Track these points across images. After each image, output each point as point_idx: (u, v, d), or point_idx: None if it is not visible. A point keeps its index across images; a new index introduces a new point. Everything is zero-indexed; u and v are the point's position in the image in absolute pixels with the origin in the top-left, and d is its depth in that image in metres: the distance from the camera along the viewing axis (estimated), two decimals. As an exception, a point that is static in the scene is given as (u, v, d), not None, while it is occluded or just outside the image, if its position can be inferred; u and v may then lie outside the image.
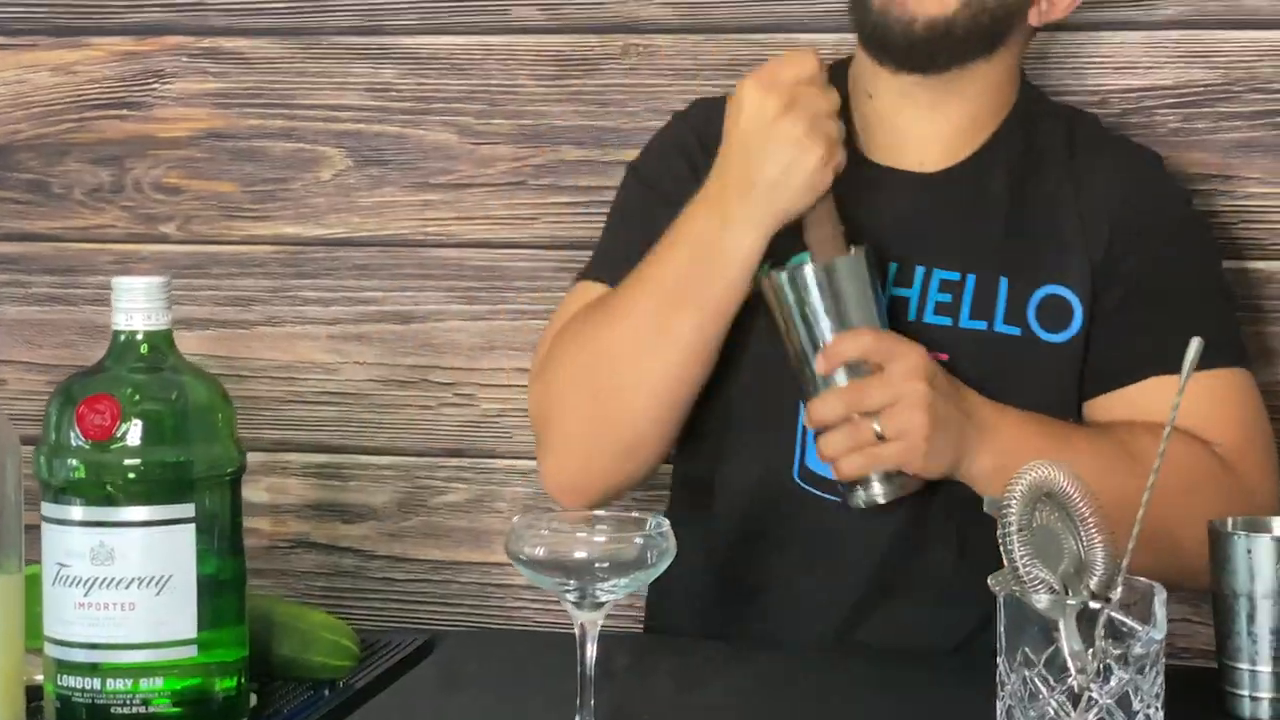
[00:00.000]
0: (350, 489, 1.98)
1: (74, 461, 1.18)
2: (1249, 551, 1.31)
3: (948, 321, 1.56)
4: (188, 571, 1.18)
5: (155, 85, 1.96)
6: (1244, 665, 1.32)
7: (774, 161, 1.45)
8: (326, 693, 1.34)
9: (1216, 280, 1.65)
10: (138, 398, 1.19)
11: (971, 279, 1.56)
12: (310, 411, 1.98)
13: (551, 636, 1.54)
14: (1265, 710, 1.31)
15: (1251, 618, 1.31)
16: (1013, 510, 1.11)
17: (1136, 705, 1.09)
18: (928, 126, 1.60)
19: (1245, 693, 1.32)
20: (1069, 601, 1.09)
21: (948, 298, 1.56)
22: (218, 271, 1.97)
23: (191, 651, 1.19)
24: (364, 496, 1.98)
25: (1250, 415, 1.58)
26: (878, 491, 1.47)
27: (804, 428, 1.54)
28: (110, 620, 1.17)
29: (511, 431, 1.94)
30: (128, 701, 1.17)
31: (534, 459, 1.94)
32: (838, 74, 1.61)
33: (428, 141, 1.93)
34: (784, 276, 1.47)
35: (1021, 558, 1.12)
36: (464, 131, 1.93)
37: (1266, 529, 1.35)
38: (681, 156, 1.64)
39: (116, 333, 1.21)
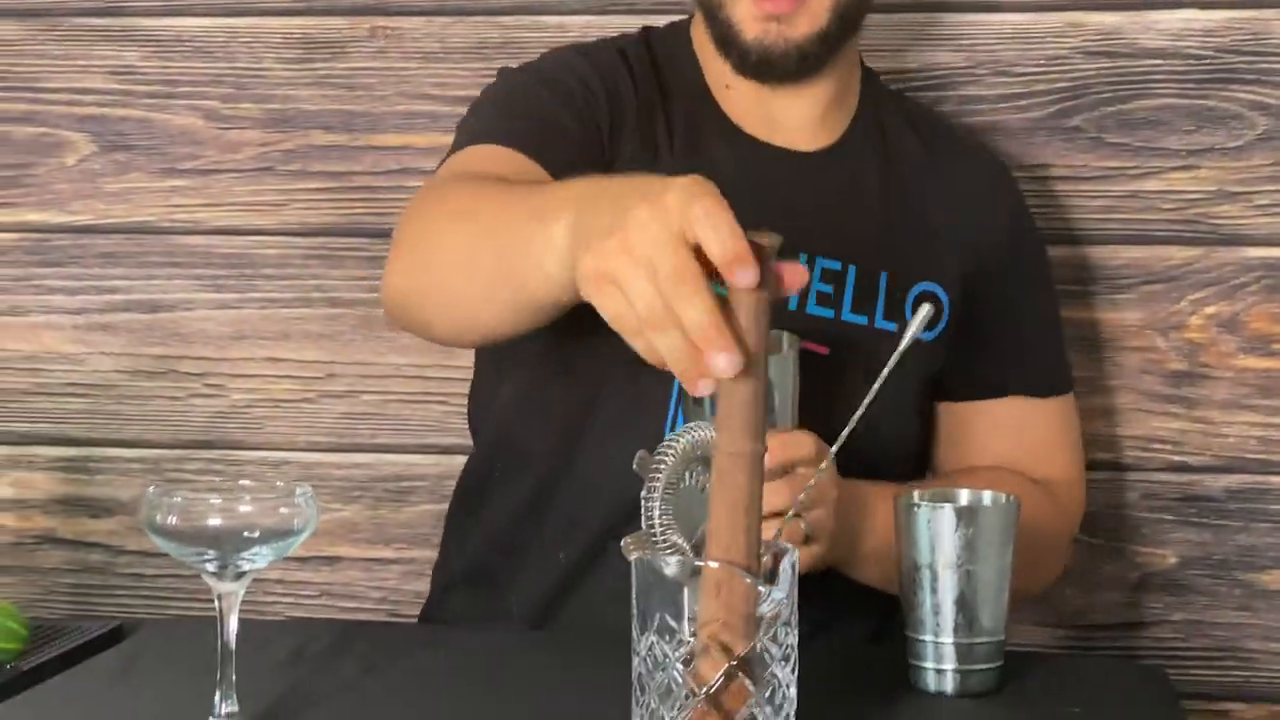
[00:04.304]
0: (97, 483, 1.93)
1: None
2: (929, 522, 1.29)
3: (829, 314, 1.52)
4: None
5: (-112, 67, 1.91)
6: (927, 637, 1.30)
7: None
8: (-12, 675, 1.29)
9: (1056, 304, 1.68)
10: None
11: (853, 270, 1.53)
12: (56, 403, 1.93)
13: (272, 625, 1.51)
14: (949, 682, 1.29)
15: (934, 589, 1.29)
16: (663, 471, 1.09)
17: (765, 665, 1.06)
18: (797, 110, 1.56)
19: (929, 665, 1.30)
20: (695, 563, 1.06)
21: (829, 288, 1.53)
22: (-41, 260, 1.93)
23: None
24: (112, 490, 1.93)
25: (1076, 438, 1.64)
26: None
27: (671, 421, 1.48)
28: None
29: (262, 422, 1.91)
30: None
31: (284, 450, 1.92)
32: (677, 36, 1.59)
33: (174, 126, 1.89)
34: None
35: (660, 519, 1.09)
36: (210, 116, 1.89)
37: (951, 499, 1.33)
38: (588, 80, 1.50)
39: None
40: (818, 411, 1.40)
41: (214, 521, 1.15)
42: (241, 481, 1.23)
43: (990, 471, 1.55)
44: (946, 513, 1.29)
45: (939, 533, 1.29)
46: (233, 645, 1.16)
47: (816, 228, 1.53)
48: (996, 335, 1.57)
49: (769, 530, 1.18)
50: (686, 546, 1.09)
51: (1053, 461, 1.60)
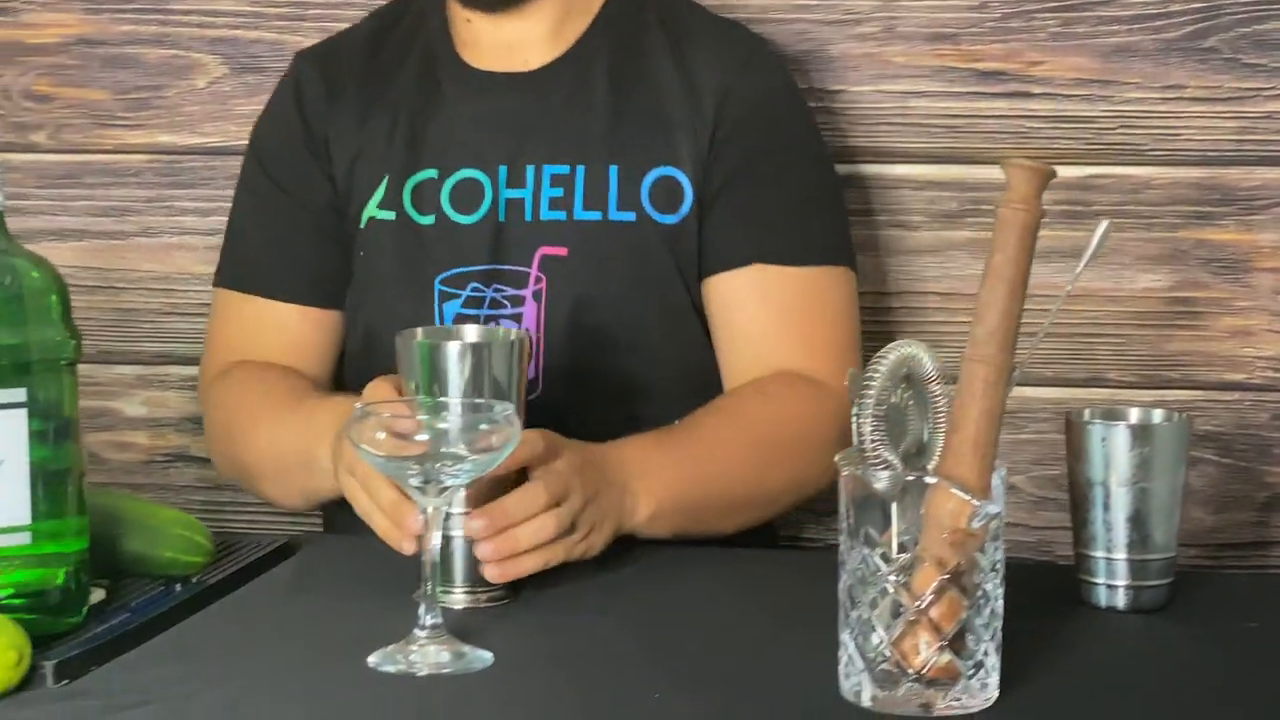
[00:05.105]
0: (229, 402, 1.95)
1: (-99, 344, 1.15)
2: (1104, 440, 1.31)
3: (562, 216, 1.59)
4: (20, 457, 1.16)
5: (23, -11, 1.92)
6: (1099, 553, 1.32)
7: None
8: (178, 588, 1.32)
9: (821, 172, 1.67)
10: (-32, 281, 1.16)
11: (581, 170, 1.60)
12: (189, 323, 1.94)
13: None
14: (1121, 598, 1.32)
15: (1107, 506, 1.31)
16: (873, 388, 1.11)
17: (976, 580, 1.08)
18: (526, 32, 1.64)
19: (1101, 580, 1.32)
20: (907, 477, 1.08)
21: (560, 192, 1.59)
22: (91, 181, 1.94)
23: (25, 539, 1.16)
24: (243, 409, 1.95)
25: (843, 314, 1.62)
26: (494, 595, 1.32)
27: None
28: (-60, 505, 1.15)
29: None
30: (-41, 589, 1.15)
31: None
32: None
33: (305, 47, 1.89)
34: (429, 347, 1.29)
35: (871, 434, 1.11)
36: (341, 38, 1.89)
37: (1122, 418, 1.35)
38: (289, 136, 1.68)
39: (-54, 216, 1.18)
40: (562, 313, 1.56)
41: (420, 438, 1.17)
42: (442, 399, 1.25)
43: (727, 399, 1.55)
44: (1120, 431, 1.31)
45: (1113, 451, 1.30)
46: (437, 559, 1.19)
47: (544, 138, 1.61)
48: (735, 205, 1.60)
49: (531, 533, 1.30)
50: (896, 461, 1.11)
51: (811, 339, 1.58)
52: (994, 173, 1.81)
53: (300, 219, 1.67)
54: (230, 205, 1.87)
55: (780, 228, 1.60)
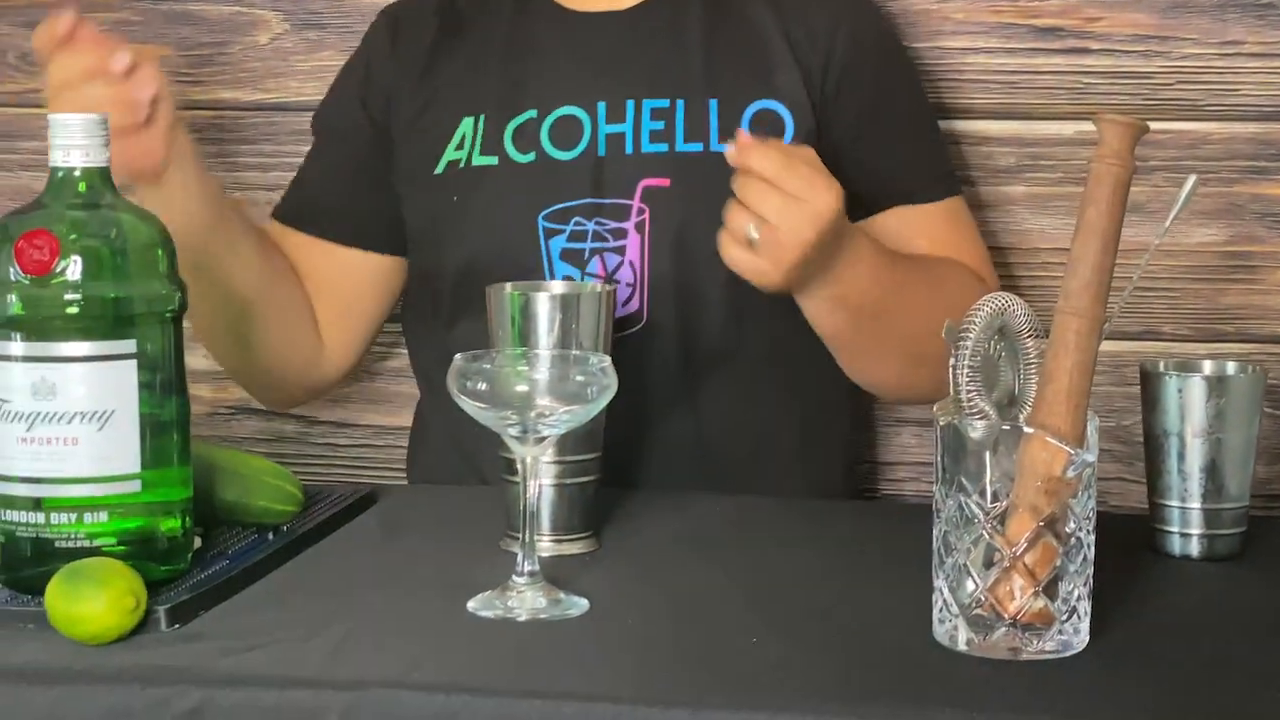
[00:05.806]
0: (291, 355, 1.97)
1: (13, 297, 1.17)
2: (1179, 391, 1.33)
3: (664, 148, 1.62)
4: (130, 408, 1.18)
5: (88, -54, 1.93)
6: (1174, 503, 1.34)
7: None
8: (270, 536, 1.35)
9: (928, 107, 1.74)
10: (75, 234, 1.18)
11: (681, 104, 1.62)
12: (252, 278, 1.96)
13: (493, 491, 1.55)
14: (1194, 546, 1.34)
15: (1182, 456, 1.34)
16: (970, 338, 1.13)
17: (1069, 527, 1.11)
18: None
19: (1175, 529, 1.35)
20: (1003, 427, 1.11)
21: (661, 125, 1.62)
22: (155, 136, 1.95)
23: (135, 487, 1.19)
24: (305, 363, 1.97)
25: (977, 234, 1.72)
26: (579, 542, 1.36)
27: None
28: (53, 455, 1.17)
29: (453, 297, 1.94)
30: (72, 536, 1.18)
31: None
32: None
33: (365, 4, 1.91)
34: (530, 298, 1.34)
35: (967, 385, 1.14)
36: (402, -6, 1.91)
37: (1196, 370, 1.37)
38: (350, 87, 1.74)
39: (54, 169, 1.20)
40: (664, 243, 1.60)
41: (520, 388, 1.19)
42: (536, 351, 1.28)
43: (930, 259, 1.63)
44: (1196, 382, 1.33)
45: (1189, 402, 1.33)
46: (534, 508, 1.21)
47: (641, 74, 1.64)
48: (859, 150, 1.64)
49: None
50: (993, 412, 1.13)
51: (964, 257, 1.66)
52: (1051, 128, 1.85)
53: (353, 165, 1.72)
54: (293, 159, 1.90)
55: (911, 168, 1.68)
